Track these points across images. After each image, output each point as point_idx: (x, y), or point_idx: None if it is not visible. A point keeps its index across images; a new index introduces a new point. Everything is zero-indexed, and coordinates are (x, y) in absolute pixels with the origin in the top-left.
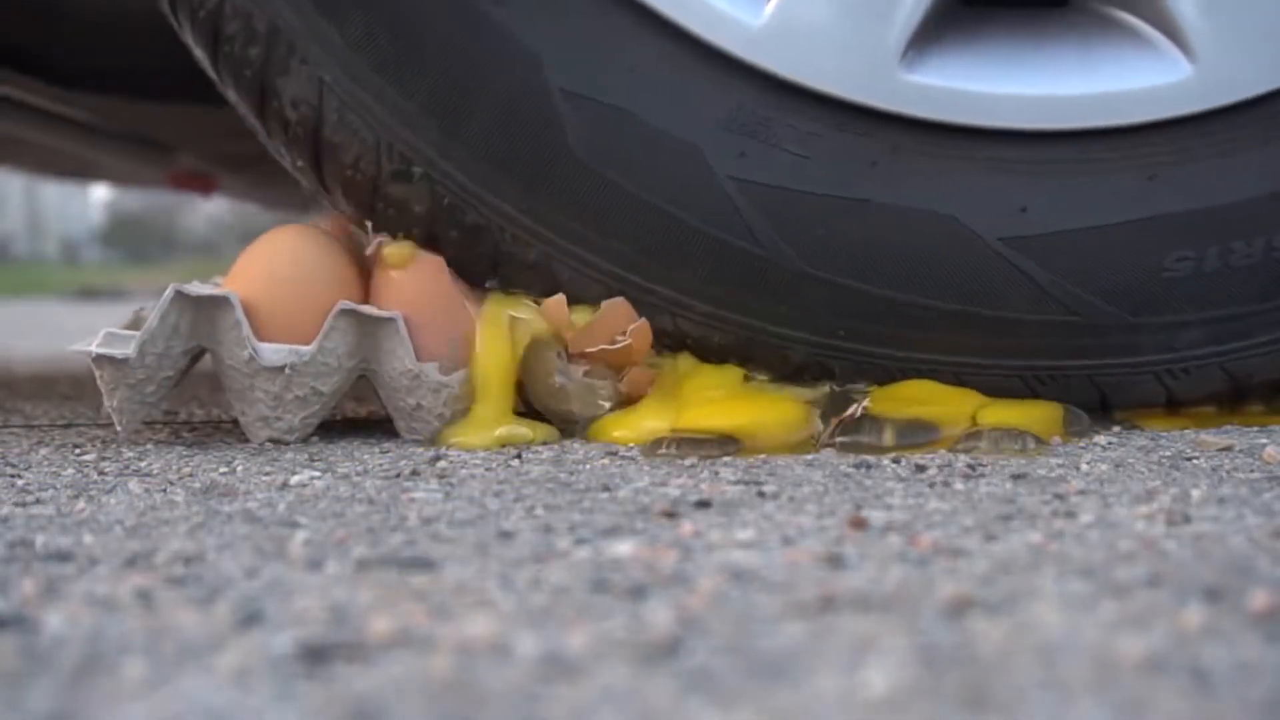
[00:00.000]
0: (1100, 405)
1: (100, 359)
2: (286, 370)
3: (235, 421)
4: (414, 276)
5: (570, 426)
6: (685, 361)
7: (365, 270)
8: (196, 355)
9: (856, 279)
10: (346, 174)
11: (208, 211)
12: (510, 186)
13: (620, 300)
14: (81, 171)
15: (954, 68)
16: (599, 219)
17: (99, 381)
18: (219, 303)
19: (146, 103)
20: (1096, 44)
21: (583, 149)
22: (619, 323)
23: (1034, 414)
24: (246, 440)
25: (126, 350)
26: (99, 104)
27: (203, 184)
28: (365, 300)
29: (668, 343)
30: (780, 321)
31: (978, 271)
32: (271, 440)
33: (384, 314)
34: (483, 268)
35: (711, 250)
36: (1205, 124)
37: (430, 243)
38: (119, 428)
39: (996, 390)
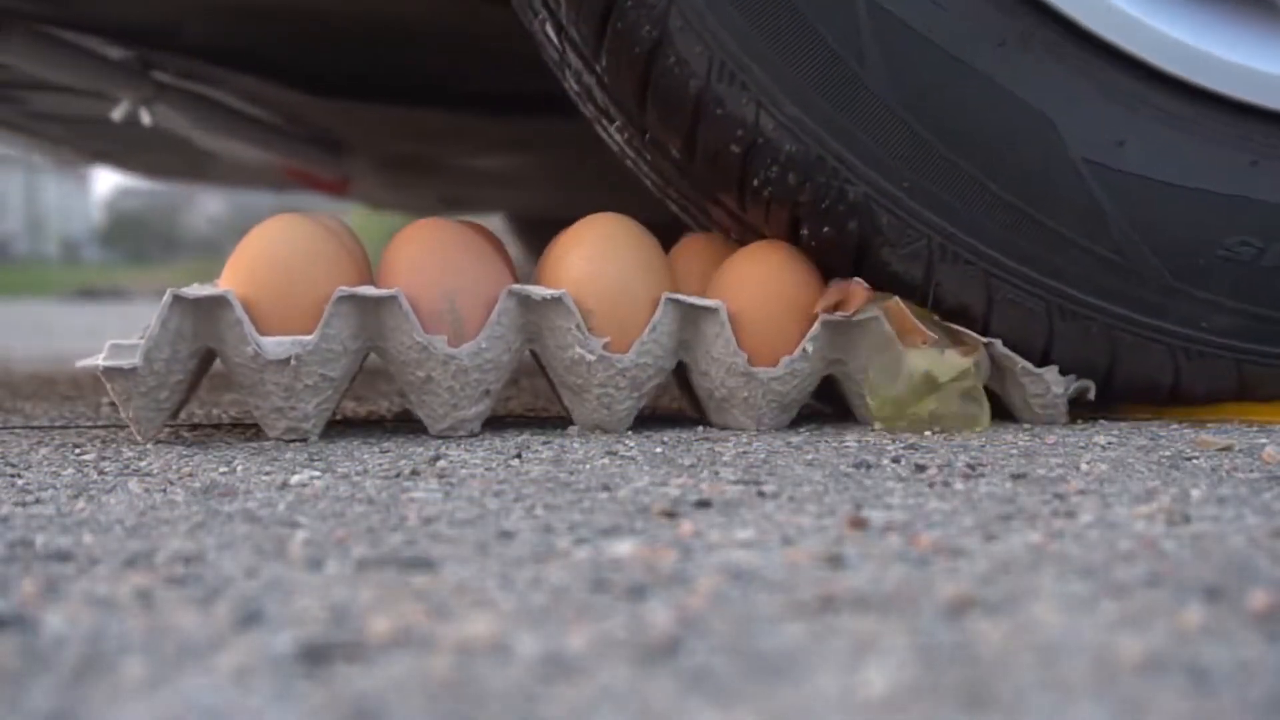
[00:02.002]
0: (1108, 370)
1: (109, 371)
2: (292, 361)
3: (235, 422)
4: (410, 249)
5: (583, 405)
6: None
7: (361, 251)
8: (207, 354)
9: (943, 141)
10: None
11: (208, 211)
12: None
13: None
14: (192, 173)
15: None
16: None
17: (112, 394)
18: (218, 302)
19: (387, 107)
20: (1269, 27)
21: None
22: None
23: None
24: (246, 440)
25: (133, 360)
26: (293, 105)
27: (334, 185)
28: (366, 281)
29: (740, 135)
30: (856, 150)
31: (1052, 181)
32: (290, 430)
33: (383, 293)
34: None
35: (825, 59)
36: None
37: None
38: (139, 437)
39: (1018, 308)
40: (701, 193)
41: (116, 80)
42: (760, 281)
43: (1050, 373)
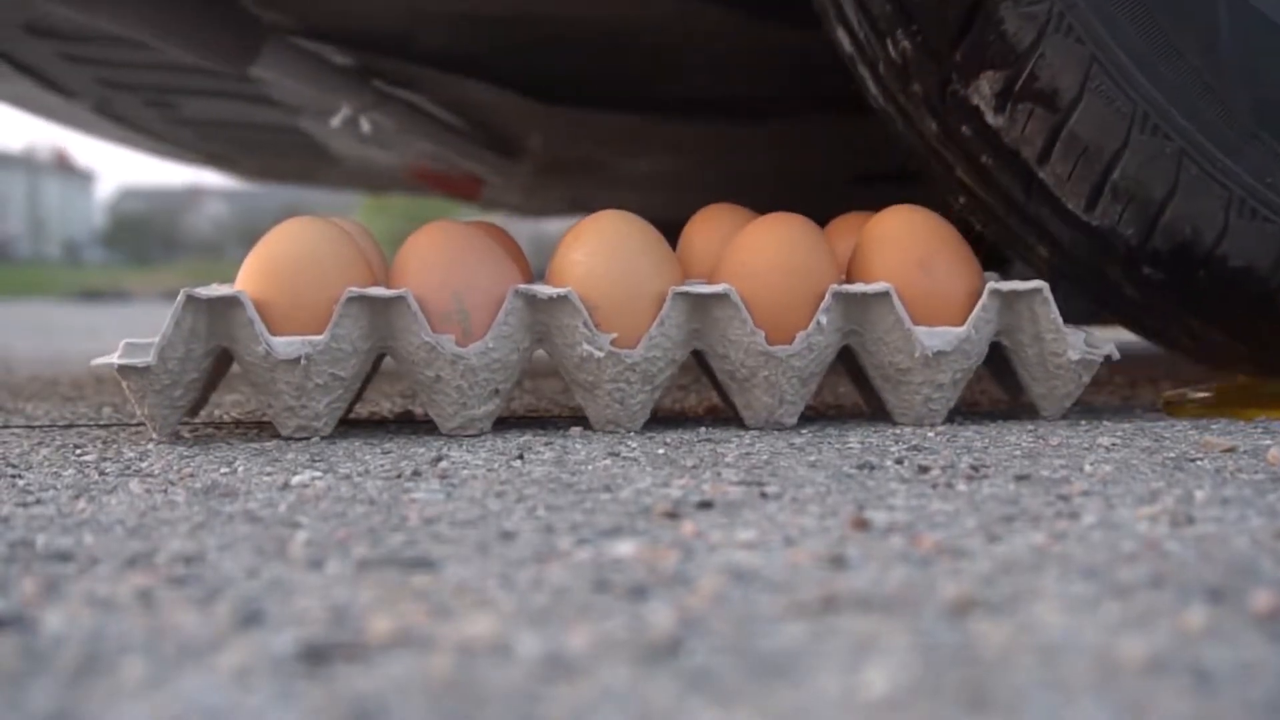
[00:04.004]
0: (1160, 206)
1: (124, 369)
2: (302, 361)
3: (236, 421)
4: (420, 250)
5: (596, 402)
6: None
7: (377, 252)
8: (224, 354)
9: None
10: None
11: (209, 212)
12: None
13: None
14: (303, 176)
15: None
16: None
17: (127, 391)
18: (230, 302)
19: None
20: None
21: None
22: None
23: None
24: (248, 440)
25: (147, 359)
26: (491, 110)
27: (467, 188)
28: (381, 282)
29: None
30: None
31: None
32: (301, 428)
33: (391, 293)
34: None
35: None
36: None
37: None
38: (154, 434)
39: (1107, 106)
40: None
41: (345, 89)
42: (771, 254)
43: (1075, 334)
